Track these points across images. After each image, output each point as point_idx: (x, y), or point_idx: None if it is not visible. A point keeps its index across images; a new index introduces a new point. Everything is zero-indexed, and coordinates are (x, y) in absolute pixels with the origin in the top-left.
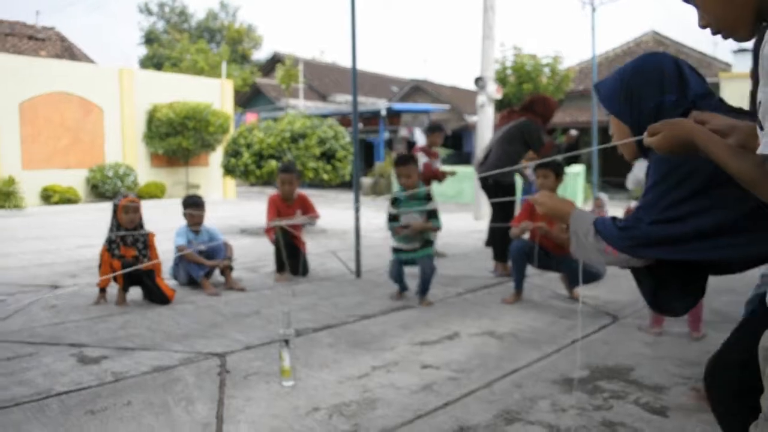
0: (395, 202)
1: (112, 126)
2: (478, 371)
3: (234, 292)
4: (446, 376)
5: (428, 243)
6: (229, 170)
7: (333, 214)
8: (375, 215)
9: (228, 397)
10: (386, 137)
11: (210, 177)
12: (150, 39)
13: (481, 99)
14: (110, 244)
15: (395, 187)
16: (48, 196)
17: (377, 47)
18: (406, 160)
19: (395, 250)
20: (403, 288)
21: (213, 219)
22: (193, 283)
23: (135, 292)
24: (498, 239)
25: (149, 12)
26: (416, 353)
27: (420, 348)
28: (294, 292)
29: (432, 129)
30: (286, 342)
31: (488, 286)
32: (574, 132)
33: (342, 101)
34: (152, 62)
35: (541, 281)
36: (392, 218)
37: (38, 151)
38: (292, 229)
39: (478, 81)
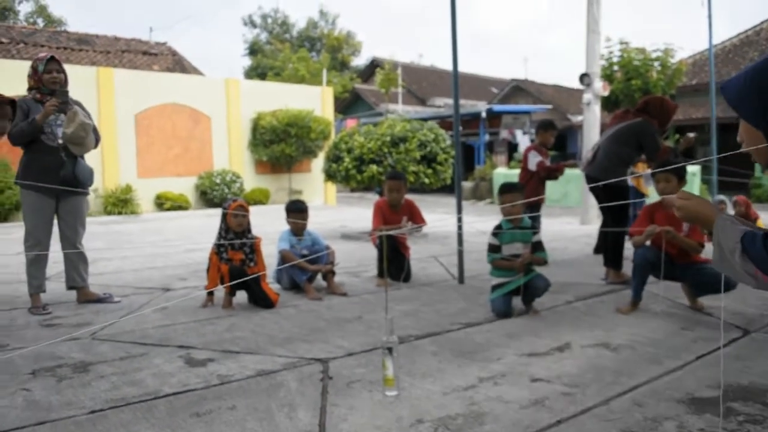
0: (497, 232)
1: (219, 134)
2: (593, 386)
3: (336, 297)
4: (558, 390)
5: (531, 268)
6: (330, 175)
7: (434, 218)
8: (476, 219)
9: (330, 404)
10: (486, 140)
11: (312, 183)
12: (254, 50)
13: (587, 96)
14: (219, 248)
15: (495, 190)
16: (161, 203)
17: (476, 48)
18: (510, 188)
19: (496, 287)
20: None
21: (315, 224)
22: (296, 287)
23: (241, 296)
24: (611, 244)
25: (253, 24)
26: (525, 365)
27: (528, 359)
28: (396, 297)
29: (544, 127)
30: (389, 350)
31: (600, 294)
32: (691, 134)
33: (441, 104)
34: (256, 72)
35: (658, 289)
36: (493, 249)
37: (152, 160)
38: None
39: (584, 78)
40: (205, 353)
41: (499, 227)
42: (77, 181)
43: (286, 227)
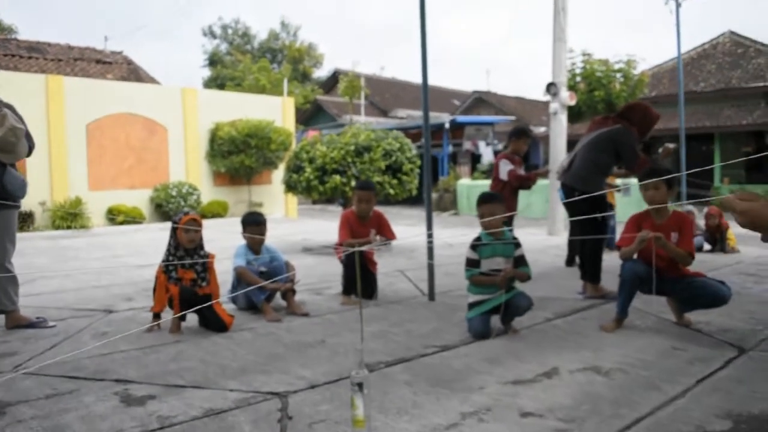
0: (476, 245)
1: (176, 145)
2: (591, 420)
3: (297, 318)
4: (553, 427)
5: (512, 285)
6: (290, 186)
7: (399, 231)
8: (441, 232)
9: None
10: (450, 151)
11: (273, 195)
12: (213, 61)
13: (553, 106)
14: (168, 266)
15: (463, 207)
16: (113, 217)
17: (436, 60)
18: (489, 198)
19: (474, 305)
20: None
21: (274, 237)
22: (253, 307)
23: (191, 318)
24: (589, 257)
25: (213, 35)
26: (511, 395)
27: (514, 388)
28: (363, 317)
29: (517, 134)
30: (359, 386)
31: (580, 309)
32: (671, 145)
33: (404, 116)
34: (216, 83)
35: (640, 303)
36: (472, 264)
37: (104, 172)
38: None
39: (551, 87)
40: (146, 388)
41: (478, 240)
42: (5, 193)
43: (243, 242)
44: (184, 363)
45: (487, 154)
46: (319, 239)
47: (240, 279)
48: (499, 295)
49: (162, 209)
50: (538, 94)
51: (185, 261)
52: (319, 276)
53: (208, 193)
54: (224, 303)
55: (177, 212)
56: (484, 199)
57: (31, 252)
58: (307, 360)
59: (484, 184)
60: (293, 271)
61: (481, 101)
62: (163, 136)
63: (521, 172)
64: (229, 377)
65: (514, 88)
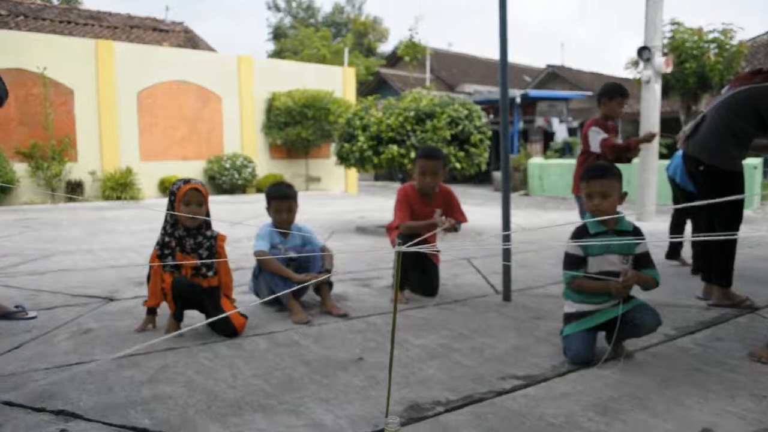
0: (580, 236)
1: (231, 115)
2: None
3: (331, 320)
4: None
5: (631, 295)
6: (342, 158)
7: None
8: (513, 213)
9: None
10: (521, 128)
11: (331, 169)
12: (277, 35)
13: (646, 74)
14: (163, 249)
15: (534, 187)
16: (165, 188)
17: (509, 35)
18: (603, 171)
19: (574, 318)
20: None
21: (327, 214)
22: (279, 301)
23: (197, 317)
24: (719, 253)
25: (277, 8)
26: None
27: None
28: (416, 323)
29: (609, 93)
30: None
31: (709, 324)
32: None
33: (471, 91)
34: (280, 57)
35: None
36: (575, 262)
37: (156, 142)
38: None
39: (643, 52)
40: (90, 427)
41: (583, 230)
42: None
43: (268, 220)
44: (162, 387)
45: (560, 132)
46: (377, 217)
47: (261, 266)
48: (611, 307)
49: (215, 182)
50: (618, 69)
51: (185, 239)
52: (369, 262)
53: (263, 166)
54: (246, 293)
55: (175, 181)
56: (595, 173)
57: (67, 223)
58: (331, 392)
59: (558, 164)
60: (330, 259)
61: (554, 76)
62: (217, 105)
63: (618, 141)
64: (214, 418)
65: (591, 63)
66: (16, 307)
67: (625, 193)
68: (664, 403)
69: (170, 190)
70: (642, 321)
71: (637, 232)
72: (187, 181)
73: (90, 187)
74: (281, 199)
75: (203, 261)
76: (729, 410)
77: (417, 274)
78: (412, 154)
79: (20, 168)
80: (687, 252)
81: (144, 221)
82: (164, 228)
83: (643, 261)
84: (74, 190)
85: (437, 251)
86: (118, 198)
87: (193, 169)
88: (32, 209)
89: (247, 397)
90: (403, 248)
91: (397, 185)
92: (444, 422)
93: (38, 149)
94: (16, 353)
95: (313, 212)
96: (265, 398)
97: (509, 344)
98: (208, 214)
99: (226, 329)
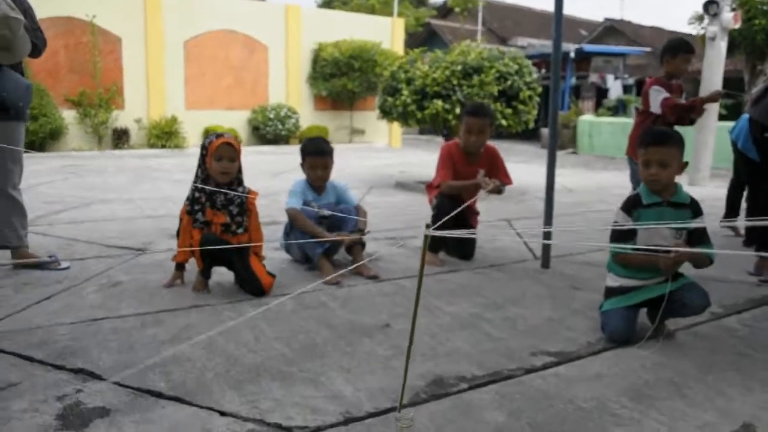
0: (632, 207)
1: (276, 65)
2: None
3: (361, 281)
4: None
5: (681, 272)
6: (385, 111)
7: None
8: (559, 173)
9: None
10: (573, 83)
11: (375, 122)
12: None
13: (712, 30)
14: (193, 204)
15: (584, 145)
16: None
17: None
18: (663, 138)
19: (615, 293)
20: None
21: (367, 168)
22: (310, 259)
23: (226, 274)
24: None
25: None
26: None
27: None
28: (448, 288)
29: (673, 49)
30: None
31: (761, 302)
32: None
33: (524, 44)
34: (329, 7)
35: None
36: (623, 236)
37: (201, 91)
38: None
39: (710, 6)
40: (106, 395)
41: (635, 201)
42: (2, 100)
43: (302, 176)
44: (184, 348)
45: (615, 89)
46: (418, 172)
47: (293, 224)
48: (657, 284)
49: (259, 132)
50: (681, 24)
51: (216, 195)
52: (406, 220)
53: (307, 117)
54: (277, 249)
55: (207, 134)
56: (655, 139)
57: (112, 170)
58: (354, 361)
59: (610, 122)
60: (364, 218)
61: (612, 31)
62: (263, 55)
63: (681, 100)
64: (232, 384)
65: (652, 17)
66: (50, 257)
67: (686, 163)
68: (704, 391)
69: (202, 144)
70: (690, 301)
71: (694, 205)
72: (219, 135)
73: (136, 134)
74: (317, 155)
75: (233, 219)
76: None
77: (454, 237)
78: (458, 110)
79: (69, 115)
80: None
81: (187, 170)
82: (195, 182)
83: (697, 236)
84: (120, 137)
85: (471, 235)
86: (163, 146)
87: (237, 119)
88: (80, 156)
89: (266, 363)
90: (431, 232)
91: (441, 140)
92: (467, 400)
93: (86, 97)
94: (44, 305)
95: (354, 165)
96: (285, 365)
97: (543, 316)
98: (240, 170)
99: (254, 288)
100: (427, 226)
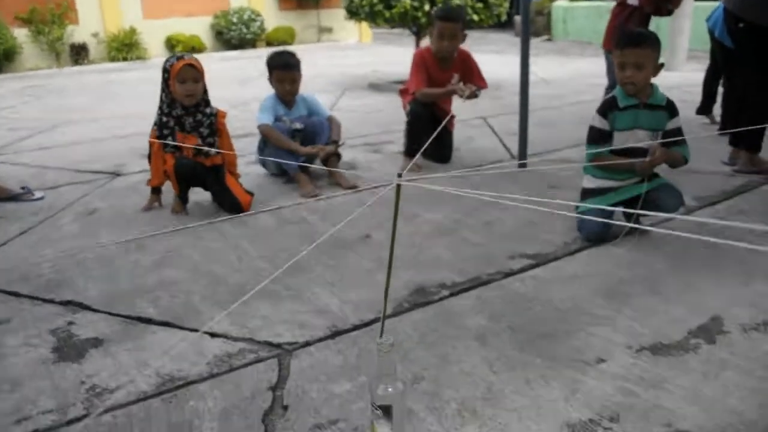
0: (608, 109)
1: None
2: None
3: (340, 192)
4: None
5: (655, 173)
6: (352, 12)
7: (484, 61)
8: (533, 62)
9: None
10: None
11: (344, 19)
12: None
13: None
14: (161, 129)
15: (558, 32)
16: (172, 46)
17: None
18: (639, 39)
19: (591, 194)
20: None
21: (341, 67)
22: (286, 172)
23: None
24: (751, 114)
25: None
26: (652, 385)
27: (655, 365)
28: (427, 194)
29: None
30: (385, 411)
31: (732, 193)
32: None
33: None
34: None
35: None
36: (599, 136)
37: None
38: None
39: None
40: (97, 325)
41: (611, 103)
42: None
43: (272, 91)
44: (167, 273)
45: None
46: (391, 71)
47: (266, 140)
48: (633, 185)
49: (223, 37)
50: None
51: (184, 118)
52: (381, 123)
53: (272, 18)
54: (253, 163)
55: (169, 57)
56: (630, 40)
57: (73, 90)
58: (337, 275)
59: (585, 6)
60: (338, 129)
61: None
62: None
63: None
64: (220, 304)
65: None
66: (22, 188)
67: (662, 65)
68: (676, 286)
69: (163, 66)
70: (665, 203)
71: (670, 106)
72: (180, 57)
73: (95, 49)
74: (283, 69)
75: (204, 140)
76: (742, 296)
77: (435, 143)
78: (427, 7)
79: (21, 33)
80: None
81: (150, 82)
82: (161, 107)
83: (672, 137)
84: (79, 53)
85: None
86: (125, 59)
87: (199, 26)
88: (39, 75)
89: (252, 282)
90: (403, 181)
91: (413, 37)
92: (448, 307)
93: (37, 13)
94: (23, 239)
95: (324, 66)
96: (270, 283)
97: (522, 218)
98: (205, 91)
99: (233, 207)
100: (399, 176)
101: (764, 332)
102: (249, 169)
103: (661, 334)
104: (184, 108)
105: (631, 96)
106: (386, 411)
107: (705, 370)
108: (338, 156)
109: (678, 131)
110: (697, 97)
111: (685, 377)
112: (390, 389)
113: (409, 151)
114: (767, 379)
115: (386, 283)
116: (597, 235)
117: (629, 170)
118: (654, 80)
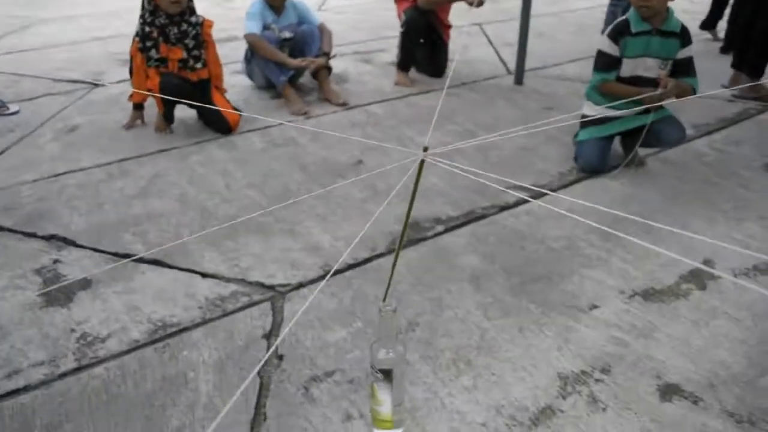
0: (619, 34)
1: None
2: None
3: (330, 109)
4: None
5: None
6: None
7: None
8: None
9: None
10: None
11: None
12: None
13: None
14: (144, 41)
15: None
16: None
17: None
18: None
19: (591, 123)
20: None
21: None
22: (274, 86)
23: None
24: (758, 39)
25: None
26: (643, 334)
27: (646, 311)
28: (419, 113)
29: None
30: (385, 375)
31: (731, 121)
32: None
33: None
34: None
35: None
36: (608, 63)
37: None
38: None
39: None
40: (85, 263)
41: (624, 28)
42: None
43: None
44: (155, 203)
45: None
46: None
47: (253, 51)
48: (636, 115)
49: None
50: None
51: (168, 28)
52: (373, 27)
53: None
54: (239, 73)
55: None
56: None
57: None
58: (329, 207)
59: None
60: (329, 39)
61: None
62: None
63: None
64: (209, 241)
65: None
66: None
67: None
68: (670, 224)
69: None
70: (668, 136)
71: (684, 34)
72: None
73: None
74: None
75: (190, 53)
76: (734, 237)
77: (424, 52)
78: None
79: None
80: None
81: None
82: (142, 16)
83: (683, 67)
84: None
85: (447, 8)
86: None
87: None
88: None
89: (241, 214)
90: (428, 157)
91: None
92: (442, 245)
93: None
94: (1, 161)
95: None
96: (261, 215)
97: (517, 144)
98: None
99: (220, 126)
100: (425, 150)
101: (754, 278)
102: (234, 80)
103: (653, 279)
104: (169, 17)
105: (645, 20)
106: (386, 375)
107: (695, 319)
108: (329, 69)
109: (689, 61)
110: (705, 8)
111: (675, 326)
112: (391, 353)
113: (403, 65)
114: (755, 329)
115: (395, 258)
116: (594, 167)
117: (638, 99)
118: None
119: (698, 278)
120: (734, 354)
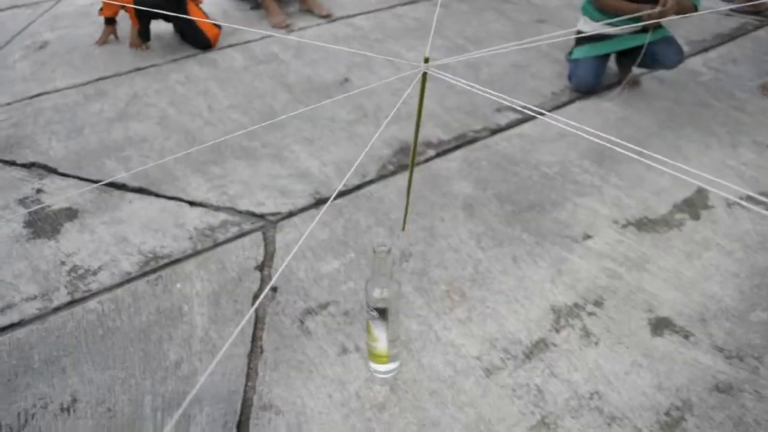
0: None
1: None
2: None
3: (313, 21)
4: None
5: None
6: None
7: None
8: None
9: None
10: None
11: None
12: None
13: None
14: None
15: None
16: None
17: None
18: None
19: (586, 41)
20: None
21: None
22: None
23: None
24: None
25: None
26: (636, 266)
27: (639, 242)
28: (407, 26)
29: None
30: (380, 313)
31: (728, 38)
32: None
33: None
34: None
35: None
36: None
37: None
38: None
39: None
40: (69, 192)
41: None
42: None
43: None
44: (136, 126)
45: None
46: None
47: None
48: (633, 34)
49: None
50: None
51: None
52: None
53: None
54: None
55: None
56: None
57: None
58: (316, 130)
59: None
60: None
61: None
62: None
63: None
64: (195, 167)
65: None
66: None
67: None
68: (664, 151)
69: None
70: (665, 57)
71: None
72: None
73: None
74: None
75: None
76: (728, 164)
77: None
78: None
79: None
80: None
81: None
82: None
83: None
84: None
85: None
86: None
87: None
88: None
89: (227, 138)
90: (431, 69)
91: None
92: (435, 171)
93: None
94: None
95: None
96: (246, 139)
97: (508, 61)
98: None
99: (199, 41)
100: (426, 61)
101: (746, 208)
102: None
103: (647, 208)
104: None
105: None
106: (382, 313)
107: (688, 251)
108: None
109: None
110: None
111: (668, 257)
112: (386, 292)
113: None
114: (746, 261)
115: (408, 185)
116: (588, 86)
117: (637, 16)
118: None
119: (692, 208)
120: (725, 287)
